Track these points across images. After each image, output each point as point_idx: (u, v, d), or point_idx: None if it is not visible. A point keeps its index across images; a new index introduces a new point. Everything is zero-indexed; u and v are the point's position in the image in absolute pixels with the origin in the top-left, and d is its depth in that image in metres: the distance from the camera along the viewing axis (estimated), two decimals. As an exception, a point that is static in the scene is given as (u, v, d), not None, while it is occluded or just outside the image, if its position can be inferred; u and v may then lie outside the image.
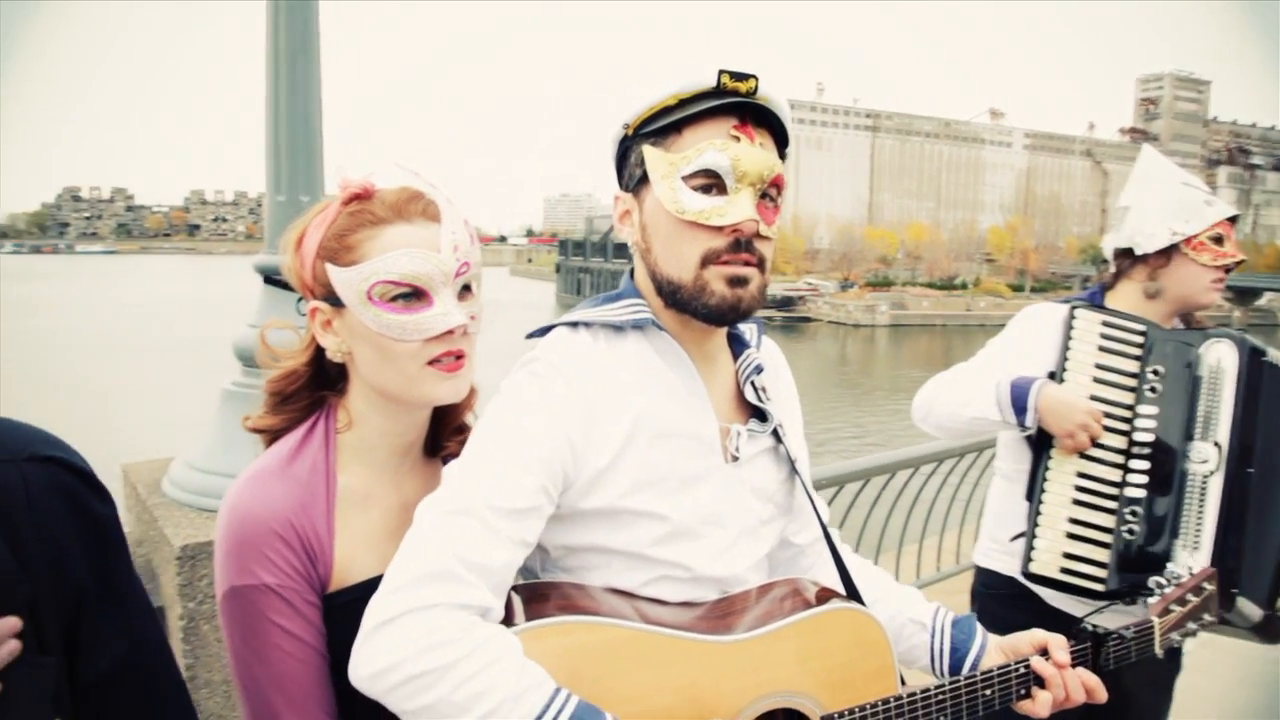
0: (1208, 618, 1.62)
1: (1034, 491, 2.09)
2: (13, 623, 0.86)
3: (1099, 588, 2.00)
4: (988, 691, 1.39)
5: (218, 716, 2.23)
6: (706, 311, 1.30)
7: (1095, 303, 2.24)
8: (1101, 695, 1.43)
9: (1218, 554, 1.92)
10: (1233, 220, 2.16)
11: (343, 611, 1.25)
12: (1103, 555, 2.00)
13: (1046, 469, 2.08)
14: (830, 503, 3.78)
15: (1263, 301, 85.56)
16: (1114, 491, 2.04)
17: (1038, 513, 2.06)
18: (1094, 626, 1.49)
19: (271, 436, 1.37)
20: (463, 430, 1.47)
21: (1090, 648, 1.47)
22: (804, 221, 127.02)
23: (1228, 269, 2.13)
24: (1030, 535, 2.06)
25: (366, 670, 1.11)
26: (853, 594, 1.47)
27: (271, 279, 2.31)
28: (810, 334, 74.77)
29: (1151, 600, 1.60)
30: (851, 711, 1.30)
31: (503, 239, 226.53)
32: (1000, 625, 1.52)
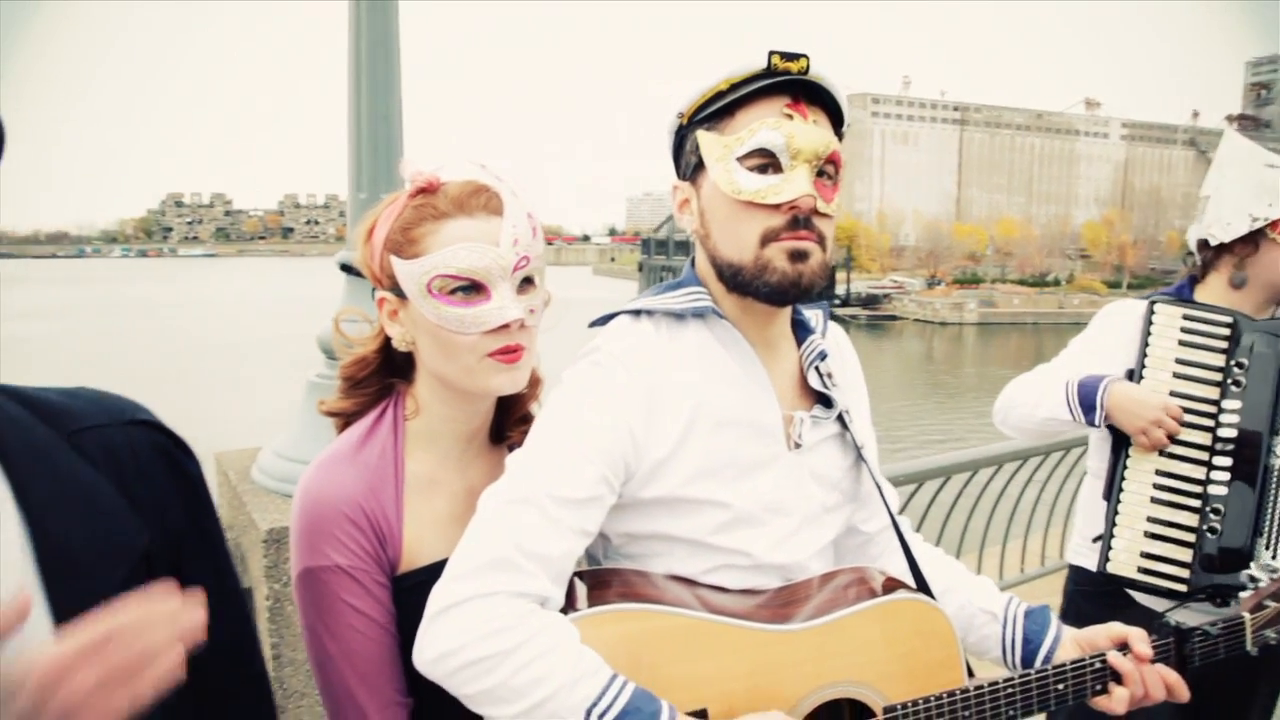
0: None
1: (1112, 491, 2.05)
2: (199, 612, 0.87)
3: (1180, 588, 1.94)
4: (1060, 686, 1.35)
5: (300, 694, 2.31)
6: (768, 290, 1.29)
7: (1183, 297, 2.17)
8: (1183, 694, 1.38)
9: None
10: None
11: (411, 593, 1.29)
12: (1184, 555, 1.94)
13: (1124, 467, 2.04)
14: (909, 501, 3.72)
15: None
16: (1197, 489, 1.97)
17: (1115, 512, 2.02)
18: (1177, 622, 1.44)
19: (344, 421, 1.43)
20: (527, 419, 1.50)
21: (1173, 644, 1.42)
22: (889, 218, 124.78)
23: None
24: (1108, 535, 2.02)
25: (430, 654, 1.15)
26: (920, 583, 1.45)
27: (346, 267, 2.39)
28: (896, 332, 73.37)
29: (1244, 595, 1.54)
30: (915, 703, 1.29)
31: (586, 238, 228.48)
32: (1089, 623, 1.48)
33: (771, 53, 1.27)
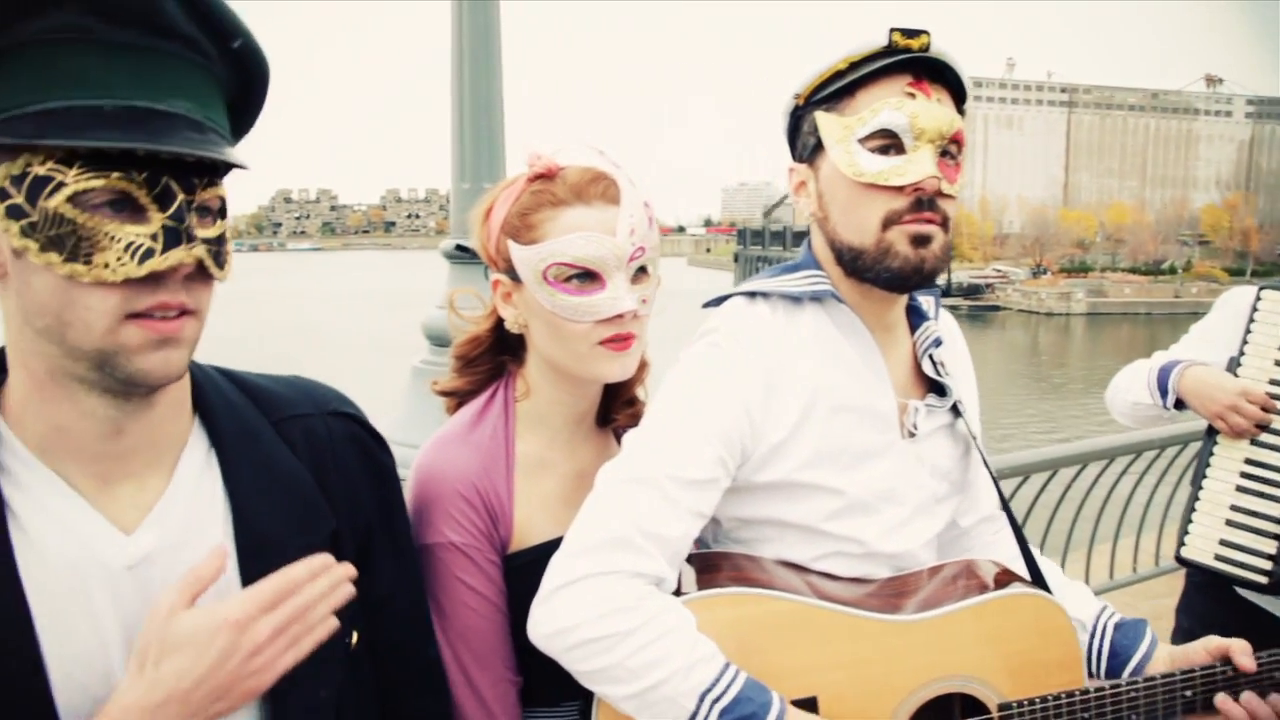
0: None
1: (1196, 476, 2.00)
2: (348, 569, 0.98)
3: (1261, 579, 1.86)
4: (1188, 693, 1.29)
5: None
6: (889, 275, 1.26)
7: None
8: None
9: None
10: None
11: (520, 573, 1.31)
12: (1268, 546, 1.86)
13: (1210, 454, 1.99)
14: (1012, 496, 3.61)
15: None
16: None
17: (1196, 498, 1.98)
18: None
19: (457, 401, 1.46)
20: (633, 403, 1.51)
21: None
22: (992, 205, 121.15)
23: None
24: (1185, 520, 1.98)
25: (546, 629, 1.17)
26: (1036, 577, 1.40)
27: (461, 247, 2.46)
28: (999, 323, 71.20)
29: None
30: (1032, 702, 1.25)
31: (681, 229, 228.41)
32: (1198, 615, 1.41)
33: (892, 30, 1.24)
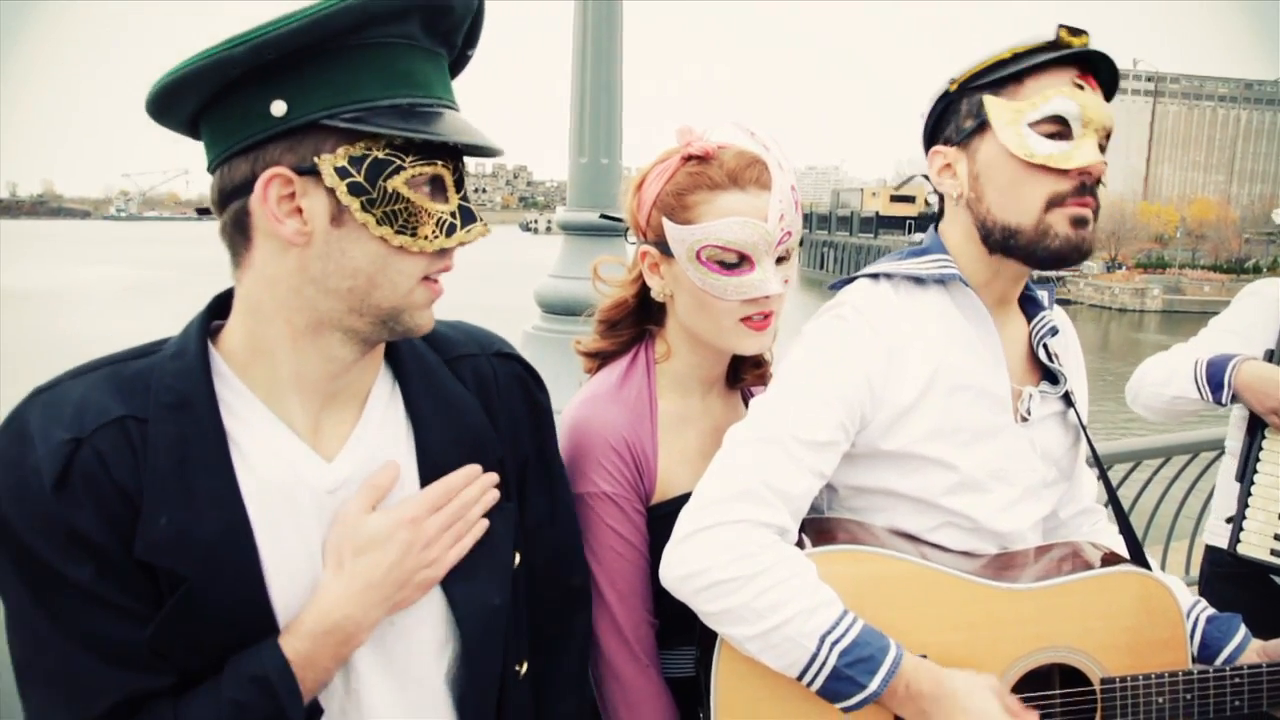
0: None
1: (1245, 472, 2.01)
2: (493, 477, 1.15)
3: None
4: None
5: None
6: (1046, 255, 1.31)
7: None
8: None
9: None
10: None
11: (662, 522, 1.40)
12: None
13: (1260, 448, 2.00)
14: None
15: None
16: None
17: (1248, 494, 2.00)
18: None
19: (598, 362, 1.56)
20: (760, 365, 1.59)
21: None
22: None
23: None
24: (1239, 516, 2.00)
25: (679, 572, 1.25)
26: (1141, 562, 1.44)
27: (606, 216, 2.56)
28: (1069, 317, 69.46)
29: None
30: (1135, 678, 1.30)
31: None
32: (1225, 605, 1.46)
33: (1060, 26, 1.31)
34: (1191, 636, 1.44)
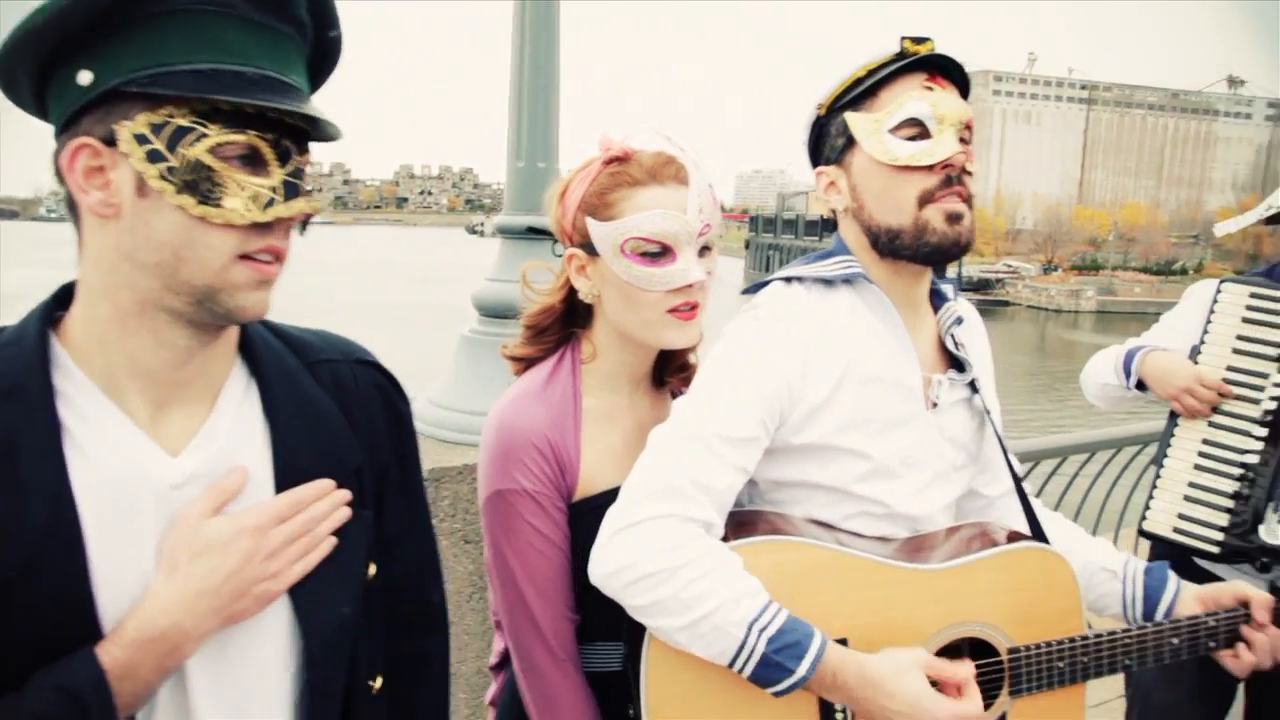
0: None
1: (1159, 457, 2.15)
2: (345, 494, 1.11)
3: (1213, 549, 2.00)
4: (1175, 640, 1.44)
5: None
6: (929, 250, 1.40)
7: (1272, 275, 2.22)
8: None
9: None
10: None
11: (585, 517, 1.44)
12: (1220, 519, 2.01)
13: (1172, 434, 2.14)
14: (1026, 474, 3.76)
15: None
16: (1239, 458, 2.03)
17: (1158, 476, 2.13)
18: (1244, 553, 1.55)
19: (524, 365, 1.59)
20: (685, 367, 1.64)
21: None
22: (1006, 200, 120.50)
23: None
24: (1149, 496, 2.13)
25: (608, 568, 1.29)
26: (1040, 538, 1.53)
27: (526, 230, 2.60)
28: (1007, 318, 71.23)
29: None
30: (1037, 647, 1.39)
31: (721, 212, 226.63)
32: None
33: (903, 38, 1.41)
34: (1135, 591, 1.55)
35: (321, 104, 1.06)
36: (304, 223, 1.05)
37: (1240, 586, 1.51)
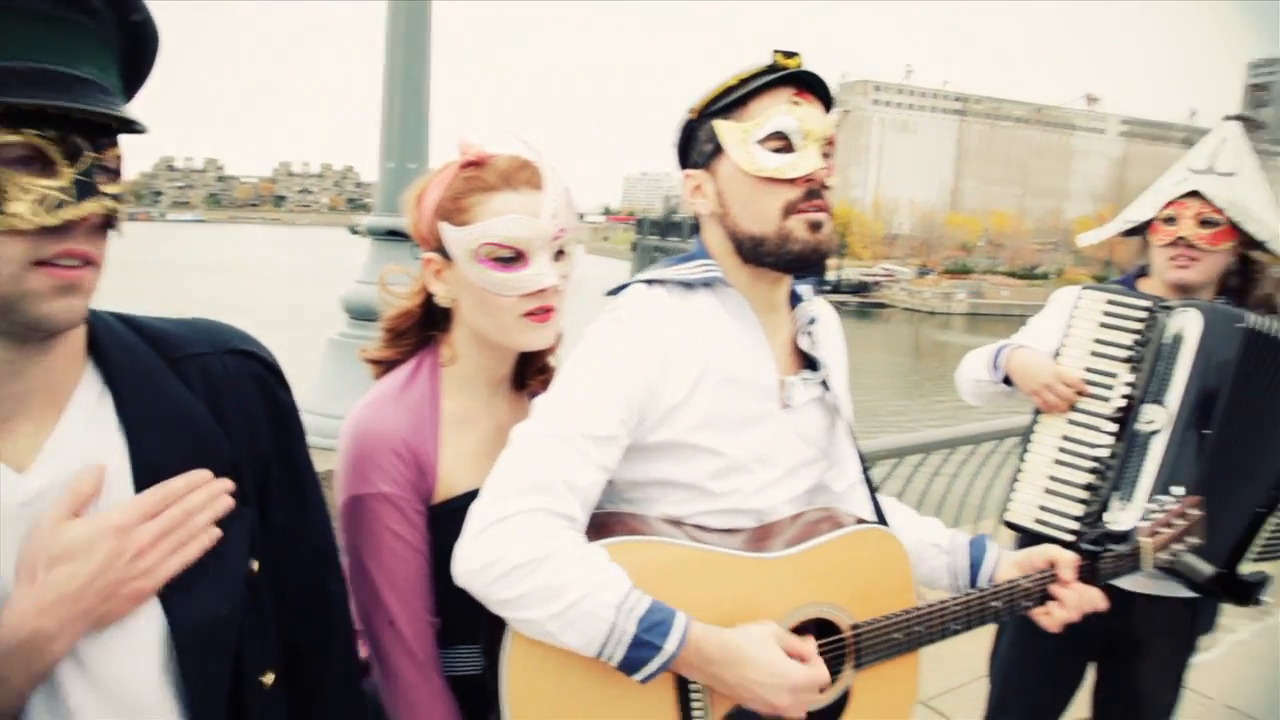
0: (1193, 540, 1.78)
1: (1022, 450, 2.27)
2: (225, 483, 1.09)
3: (1069, 538, 2.11)
4: (996, 604, 1.57)
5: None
6: (792, 258, 1.46)
7: (1127, 284, 2.37)
8: (1101, 604, 1.61)
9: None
10: (1196, 195, 2.22)
11: (444, 520, 1.45)
12: (1076, 509, 2.14)
13: (1033, 430, 2.26)
14: (890, 472, 3.96)
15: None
16: (1092, 452, 2.16)
17: (1020, 468, 2.25)
18: (1089, 548, 1.70)
19: (383, 369, 1.59)
20: (545, 370, 1.67)
21: (1088, 565, 1.65)
22: (884, 206, 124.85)
23: (1191, 245, 2.21)
24: (1011, 488, 2.25)
25: (475, 564, 1.30)
26: (882, 523, 1.64)
27: (394, 232, 2.56)
28: (884, 319, 73.88)
29: (1143, 524, 1.77)
30: (876, 621, 1.49)
31: (580, 216, 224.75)
32: None
33: (775, 51, 1.47)
34: (961, 562, 1.69)
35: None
36: (106, 223, 0.99)
37: (1050, 549, 1.65)
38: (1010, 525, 2.24)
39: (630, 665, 1.28)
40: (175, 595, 1.04)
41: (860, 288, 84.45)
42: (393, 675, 1.46)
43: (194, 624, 1.06)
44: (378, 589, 1.44)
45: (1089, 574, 1.65)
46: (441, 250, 1.50)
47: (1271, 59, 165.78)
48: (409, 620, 1.45)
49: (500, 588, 1.28)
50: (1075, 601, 1.60)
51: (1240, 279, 2.30)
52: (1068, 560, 1.63)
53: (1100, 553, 1.68)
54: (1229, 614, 2.25)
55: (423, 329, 1.59)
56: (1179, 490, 1.97)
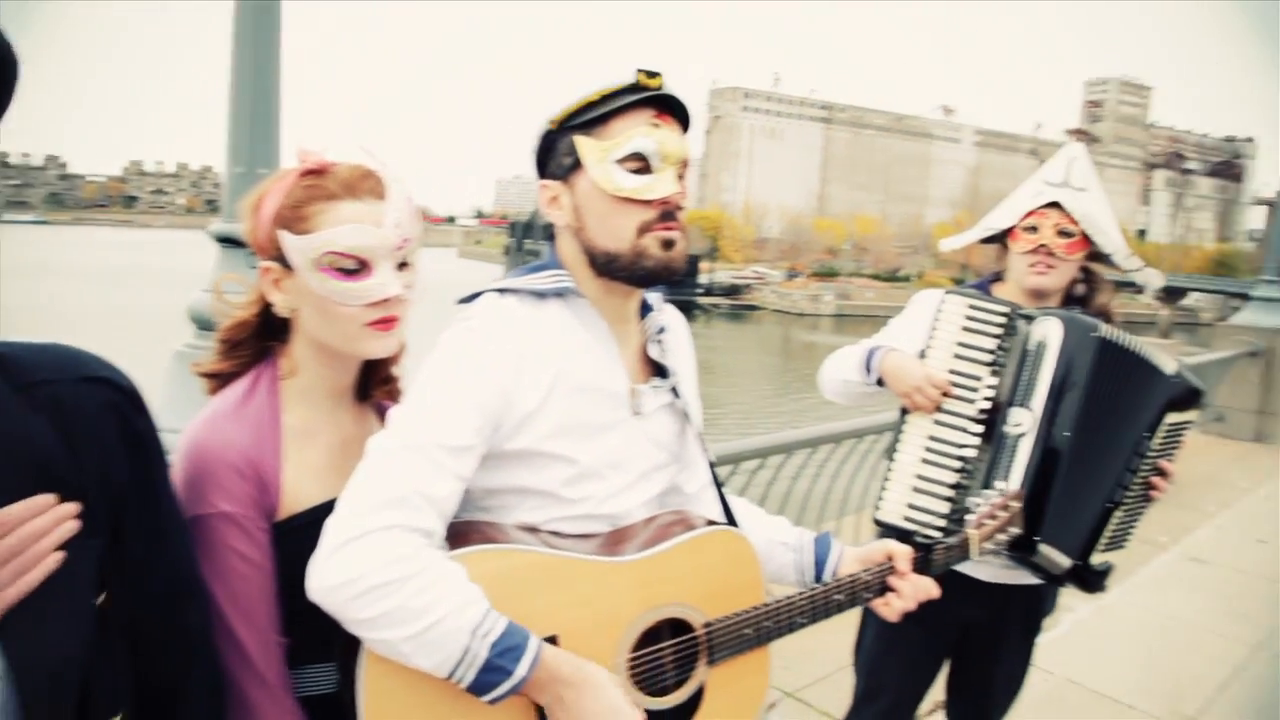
0: (1014, 530, 1.92)
1: (891, 450, 2.35)
2: (71, 507, 1.03)
3: (938, 534, 2.21)
4: (839, 597, 1.65)
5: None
6: (644, 274, 1.49)
7: (983, 288, 2.50)
8: (935, 593, 1.71)
9: (1023, 507, 2.10)
10: (1055, 206, 2.38)
11: (289, 537, 1.41)
12: (943, 507, 2.23)
13: (901, 430, 2.34)
14: (754, 475, 4.06)
15: (1189, 301, 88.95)
16: (958, 452, 2.25)
17: (890, 468, 2.32)
18: (922, 539, 1.85)
19: (219, 383, 1.53)
20: (389, 380, 1.65)
21: (922, 556, 1.75)
22: (754, 210, 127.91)
23: (1051, 253, 2.36)
24: (882, 487, 2.33)
25: (330, 581, 1.26)
26: (731, 521, 1.69)
27: (227, 239, 2.46)
28: (755, 321, 75.75)
29: (970, 518, 1.89)
30: (727, 618, 1.54)
31: (451, 220, 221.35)
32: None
33: (638, 70, 1.49)
34: (807, 559, 1.76)
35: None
36: None
37: (888, 543, 1.74)
38: (880, 524, 2.30)
39: (480, 688, 1.29)
40: (15, 631, 0.97)
41: (732, 290, 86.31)
42: (240, 700, 1.40)
43: (36, 662, 1.00)
44: (222, 611, 1.38)
45: (923, 565, 1.74)
46: (280, 259, 1.47)
47: (1105, 78, 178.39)
48: (255, 641, 1.40)
49: (357, 607, 1.26)
50: (911, 591, 1.69)
51: (1085, 287, 2.46)
52: (903, 553, 1.72)
53: (933, 545, 1.79)
54: (1067, 594, 2.40)
55: (260, 340, 1.54)
56: (1002, 485, 2.11)
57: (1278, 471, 8.93)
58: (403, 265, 1.51)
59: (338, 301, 1.44)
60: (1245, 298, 11.29)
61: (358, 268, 1.44)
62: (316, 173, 1.47)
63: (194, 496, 1.38)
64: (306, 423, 1.52)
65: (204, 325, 2.59)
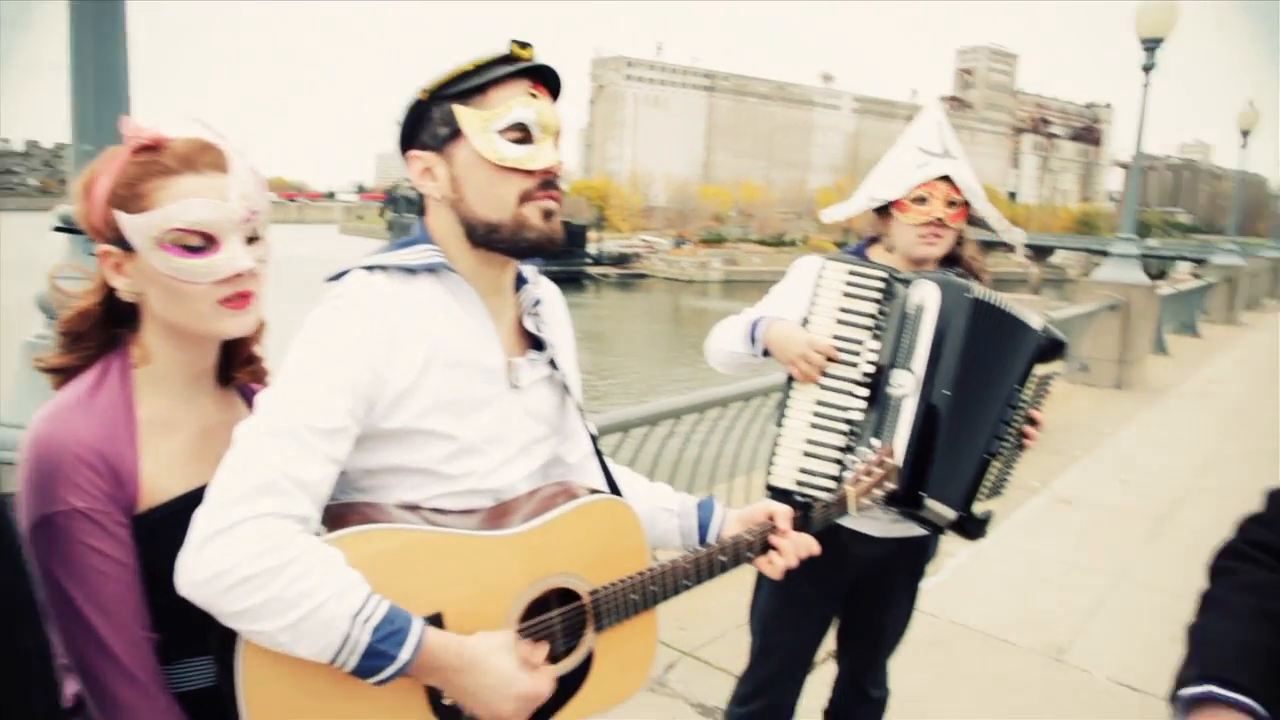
0: (890, 486, 1.99)
1: (780, 417, 2.39)
2: None
3: (829, 498, 2.29)
4: (723, 558, 1.68)
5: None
6: (526, 244, 1.49)
7: (860, 254, 2.57)
8: (815, 549, 1.77)
9: (908, 463, 2.21)
10: (946, 179, 2.44)
11: (152, 529, 1.35)
12: (832, 469, 2.29)
13: (788, 397, 2.38)
14: (642, 444, 4.11)
15: (1055, 259, 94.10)
16: (844, 415, 2.32)
17: (779, 434, 2.37)
18: (801, 498, 1.88)
19: (64, 377, 1.44)
20: (252, 361, 1.59)
21: (802, 515, 1.81)
22: (641, 179, 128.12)
23: (943, 224, 2.43)
24: (772, 454, 2.37)
25: (200, 576, 1.21)
26: (614, 490, 1.71)
27: (61, 227, 2.30)
28: (645, 289, 76.22)
29: (847, 475, 1.96)
30: (612, 585, 1.55)
31: (331, 195, 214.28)
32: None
33: (511, 41, 1.48)
34: (691, 524, 1.79)
35: None
36: None
37: (769, 504, 1.79)
38: (772, 489, 2.33)
39: (364, 672, 1.27)
40: None
41: (621, 259, 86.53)
42: (111, 704, 1.33)
43: None
44: (82, 613, 1.31)
45: (803, 523, 1.79)
46: (120, 241, 1.39)
47: (975, 46, 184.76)
48: (123, 641, 1.33)
49: (230, 600, 1.22)
50: (792, 549, 1.74)
51: (956, 247, 2.54)
52: (784, 512, 1.76)
53: (812, 503, 1.84)
54: (948, 540, 2.52)
55: (106, 329, 1.45)
56: (876, 442, 2.18)
57: (1137, 415, 9.57)
58: (253, 239, 1.44)
59: (185, 280, 1.37)
60: (1105, 254, 11.96)
61: (203, 244, 1.38)
62: (150, 148, 1.39)
63: (43, 495, 1.30)
64: (164, 411, 1.44)
65: (53, 315, 2.43)
